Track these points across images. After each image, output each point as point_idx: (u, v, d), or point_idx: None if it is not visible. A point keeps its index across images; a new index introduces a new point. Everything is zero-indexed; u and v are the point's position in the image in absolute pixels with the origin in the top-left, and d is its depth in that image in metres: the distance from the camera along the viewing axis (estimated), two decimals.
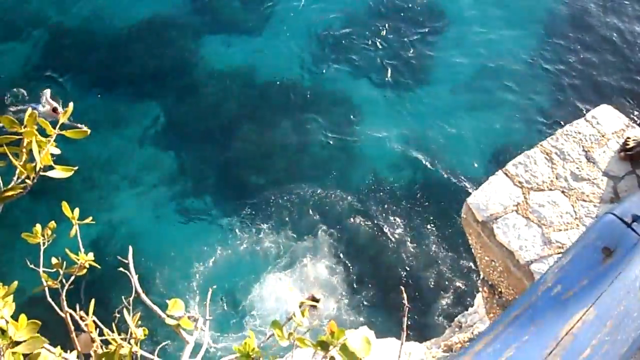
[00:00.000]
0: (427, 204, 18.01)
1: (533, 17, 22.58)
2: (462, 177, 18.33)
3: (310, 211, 17.86)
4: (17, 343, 2.41)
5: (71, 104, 3.01)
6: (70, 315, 3.29)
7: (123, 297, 3.45)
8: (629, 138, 5.85)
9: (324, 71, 21.08)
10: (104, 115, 19.50)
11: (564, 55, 21.29)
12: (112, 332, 3.07)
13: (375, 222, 17.67)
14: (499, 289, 6.13)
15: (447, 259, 17.07)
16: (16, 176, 2.63)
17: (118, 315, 3.28)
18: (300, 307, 2.86)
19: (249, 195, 18.16)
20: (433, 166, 18.67)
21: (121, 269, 3.67)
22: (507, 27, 22.14)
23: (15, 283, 2.70)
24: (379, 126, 19.64)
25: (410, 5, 22.89)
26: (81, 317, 3.25)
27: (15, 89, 19.98)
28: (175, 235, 17.48)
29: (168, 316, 3.13)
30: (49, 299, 3.35)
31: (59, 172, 2.63)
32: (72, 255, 3.26)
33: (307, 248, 17.26)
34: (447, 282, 16.71)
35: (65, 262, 3.27)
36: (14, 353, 2.40)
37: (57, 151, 2.60)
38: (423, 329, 14.78)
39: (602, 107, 6.38)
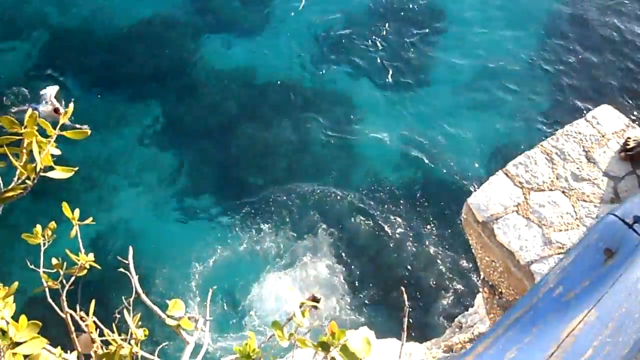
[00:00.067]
0: (427, 203, 18.00)
1: (533, 18, 22.58)
2: (463, 177, 18.33)
3: (310, 211, 17.86)
4: (18, 344, 2.40)
5: (71, 105, 3.01)
6: (71, 315, 3.29)
7: (123, 297, 3.45)
8: (629, 138, 5.85)
9: (324, 71, 21.08)
10: (104, 115, 19.50)
11: (564, 55, 21.29)
12: (113, 332, 3.07)
13: (376, 221, 17.66)
14: (500, 290, 6.13)
15: (447, 259, 17.06)
16: (16, 177, 2.62)
17: (118, 316, 3.28)
18: (300, 307, 2.86)
19: (249, 195, 18.15)
20: (433, 166, 18.67)
21: (121, 269, 3.67)
22: (507, 27, 22.13)
23: (16, 284, 2.70)
24: (379, 126, 19.63)
25: (410, 5, 22.89)
26: (81, 318, 3.25)
27: (15, 89, 19.97)
28: (175, 234, 17.47)
29: (168, 316, 3.12)
30: (50, 300, 3.34)
31: (59, 173, 2.62)
32: (73, 256, 3.26)
33: (307, 248, 17.25)
34: (447, 282, 16.70)
35: (65, 263, 3.27)
36: (14, 354, 2.40)
37: (58, 152, 2.60)
38: (423, 329, 14.77)
39: (602, 107, 6.37)
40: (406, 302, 3.26)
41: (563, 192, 5.67)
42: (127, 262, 3.59)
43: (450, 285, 16.67)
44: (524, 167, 5.89)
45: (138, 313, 3.22)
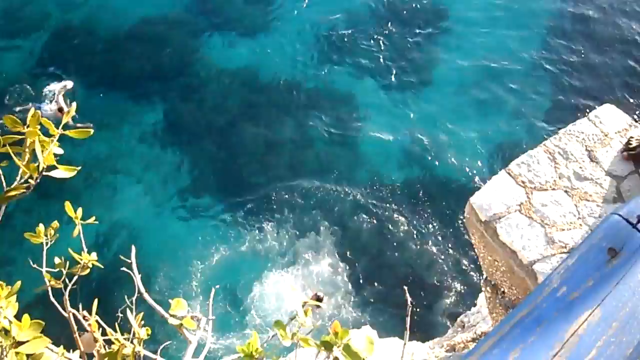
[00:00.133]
0: (429, 203, 18.00)
1: (536, 17, 22.58)
2: (465, 177, 18.33)
3: (313, 209, 17.87)
4: (20, 343, 2.40)
5: (74, 104, 3.01)
6: (73, 315, 3.29)
7: (126, 296, 3.45)
8: (632, 137, 5.84)
9: (327, 70, 21.09)
10: (106, 114, 19.51)
11: (567, 54, 21.28)
12: (115, 331, 3.07)
13: (378, 220, 17.66)
14: (502, 289, 6.12)
15: (450, 259, 17.06)
16: (19, 176, 2.62)
17: (121, 315, 3.28)
18: (303, 306, 2.85)
19: (251, 194, 18.16)
20: (436, 165, 18.67)
21: (124, 268, 3.67)
22: (510, 27, 22.14)
23: (19, 283, 2.70)
24: (382, 125, 19.64)
25: (413, 5, 22.91)
26: (84, 317, 3.25)
27: (19, 88, 20.00)
28: (177, 233, 17.48)
29: (171, 316, 3.12)
30: (52, 299, 3.35)
31: (62, 172, 2.62)
32: (75, 255, 3.26)
33: (309, 246, 17.26)
34: (449, 282, 16.70)
35: (68, 262, 3.27)
36: (17, 353, 2.40)
37: (60, 151, 2.59)
38: (425, 329, 14.77)
39: (605, 106, 6.36)
40: (409, 302, 3.26)
41: (566, 191, 5.66)
42: (129, 261, 3.59)
43: (452, 285, 16.67)
44: (527, 167, 5.88)
45: (141, 312, 3.22)
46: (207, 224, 17.72)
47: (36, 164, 2.52)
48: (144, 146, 19.17)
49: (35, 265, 3.42)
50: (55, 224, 3.25)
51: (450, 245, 17.26)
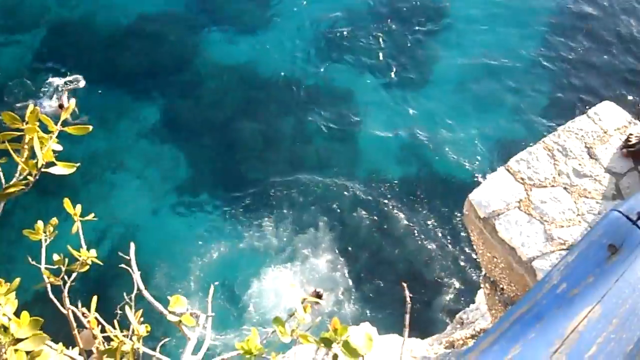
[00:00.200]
0: (429, 199, 18.01)
1: (535, 15, 22.58)
2: (465, 173, 18.33)
3: (312, 206, 17.87)
4: (19, 340, 2.40)
5: (73, 101, 3.00)
6: (72, 312, 3.29)
7: (125, 293, 3.45)
8: (631, 135, 5.84)
9: (327, 67, 21.09)
10: (105, 111, 19.50)
11: (566, 52, 21.29)
12: (114, 328, 3.06)
13: (377, 216, 17.67)
14: (501, 286, 6.12)
15: (449, 255, 17.07)
16: (18, 173, 2.62)
17: (120, 312, 3.28)
18: (302, 303, 2.85)
19: (250, 190, 18.16)
20: (435, 162, 18.68)
21: (123, 265, 3.66)
22: (509, 24, 22.14)
23: (18, 280, 2.69)
24: (381, 121, 19.64)
25: (412, 2, 22.90)
26: (83, 314, 3.25)
27: (18, 84, 19.98)
28: (176, 229, 17.48)
29: (170, 312, 3.12)
30: (51, 296, 3.34)
31: (61, 169, 2.61)
32: (74, 252, 3.25)
33: (308, 242, 17.26)
34: (448, 278, 16.72)
35: (67, 259, 3.26)
36: (16, 350, 2.39)
37: (59, 147, 2.59)
38: (424, 325, 14.76)
39: (604, 103, 6.36)
40: (408, 298, 3.26)
41: (565, 188, 5.66)
42: (128, 258, 3.59)
43: (451, 281, 16.68)
44: (526, 164, 5.87)
45: (140, 309, 3.22)
46: (206, 220, 17.72)
47: (35, 161, 2.52)
48: (143, 142, 19.16)
49: (34, 262, 3.41)
50: (54, 220, 3.25)
51: (449, 242, 17.27)
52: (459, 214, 16.80)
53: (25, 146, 2.50)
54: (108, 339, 3.07)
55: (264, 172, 18.52)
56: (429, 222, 17.60)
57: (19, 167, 2.57)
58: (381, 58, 21.30)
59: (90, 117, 18.19)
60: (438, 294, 16.50)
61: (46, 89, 19.77)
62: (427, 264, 16.93)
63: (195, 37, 21.98)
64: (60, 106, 18.83)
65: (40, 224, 3.22)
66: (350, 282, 16.68)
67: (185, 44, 21.77)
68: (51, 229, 3.25)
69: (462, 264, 16.92)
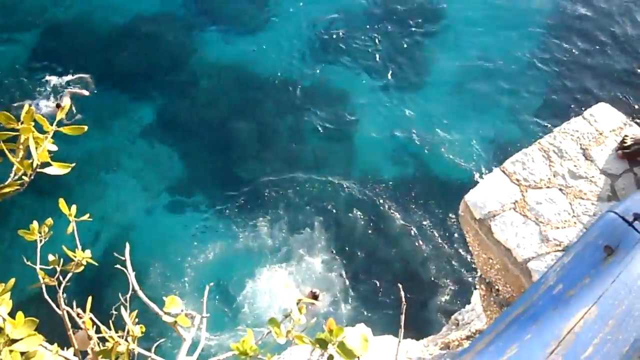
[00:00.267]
0: (424, 200, 18.02)
1: (530, 17, 22.63)
2: (460, 174, 18.35)
3: (307, 205, 17.87)
4: (14, 341, 2.39)
5: (68, 101, 3.00)
6: (67, 312, 3.28)
7: (120, 294, 3.44)
8: (626, 136, 5.85)
9: (323, 67, 21.10)
10: (101, 111, 19.47)
11: (562, 54, 21.34)
12: (109, 329, 3.06)
13: (373, 217, 17.68)
14: (496, 287, 6.12)
15: (444, 256, 17.08)
16: (13, 173, 2.61)
17: (115, 313, 3.27)
18: (298, 303, 2.85)
19: (245, 190, 18.16)
20: (431, 163, 18.70)
21: (118, 265, 3.66)
22: (505, 26, 22.19)
23: (13, 280, 2.69)
24: (377, 122, 19.66)
25: (409, 4, 22.94)
26: (78, 315, 3.24)
27: (14, 84, 19.95)
28: (170, 229, 17.46)
29: (165, 313, 3.11)
30: (46, 296, 3.34)
31: (56, 169, 2.61)
32: (69, 253, 3.25)
33: (303, 243, 17.26)
34: (444, 279, 16.73)
35: (62, 259, 3.26)
36: (11, 351, 2.39)
37: (54, 148, 2.59)
38: (420, 326, 14.77)
39: (600, 105, 6.37)
40: (403, 300, 3.25)
41: (560, 189, 5.67)
42: (123, 258, 3.59)
43: (447, 282, 16.69)
44: (521, 165, 5.88)
45: (135, 309, 3.22)
46: (201, 220, 17.71)
47: (30, 161, 2.52)
48: (139, 142, 19.15)
49: (29, 263, 3.40)
50: (49, 221, 3.25)
51: (444, 243, 17.29)
52: (454, 215, 16.81)
53: (21, 146, 2.50)
54: (103, 340, 3.07)
55: (259, 172, 18.52)
56: (424, 223, 17.61)
57: (14, 167, 2.56)
58: (378, 59, 21.32)
59: (86, 117, 18.17)
60: (433, 295, 16.51)
61: (43, 89, 19.74)
62: (422, 265, 16.94)
63: (192, 37, 21.99)
64: (58, 106, 18.82)
65: (35, 224, 3.21)
66: (345, 283, 16.68)
67: (181, 43, 21.76)
68: (46, 229, 3.25)
69: (457, 265, 16.94)
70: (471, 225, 5.86)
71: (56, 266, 3.24)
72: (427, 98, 20.29)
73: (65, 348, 3.17)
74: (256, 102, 20.13)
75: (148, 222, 17.54)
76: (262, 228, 17.48)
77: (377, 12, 22.85)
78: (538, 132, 18.16)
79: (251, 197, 18.02)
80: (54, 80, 20.09)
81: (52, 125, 2.55)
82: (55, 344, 2.90)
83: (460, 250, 16.94)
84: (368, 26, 22.36)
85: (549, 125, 18.28)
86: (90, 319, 3.15)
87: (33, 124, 2.49)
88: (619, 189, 5.60)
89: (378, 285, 16.62)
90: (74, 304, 3.29)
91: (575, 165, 5.78)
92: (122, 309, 3.14)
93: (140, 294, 3.48)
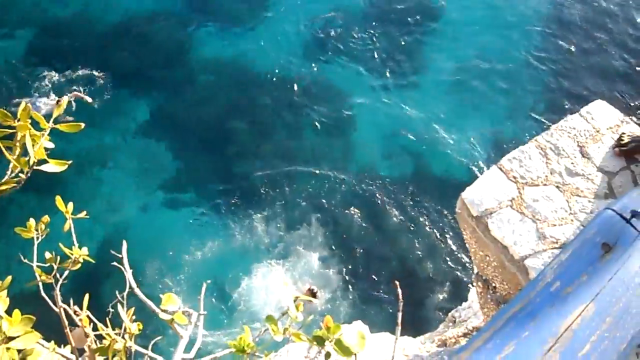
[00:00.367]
0: (421, 197, 18.02)
1: (528, 15, 22.66)
2: (458, 172, 18.34)
3: (304, 202, 17.86)
4: (11, 338, 2.39)
5: (65, 98, 3.00)
6: (64, 310, 3.27)
7: (117, 291, 3.44)
8: (623, 134, 5.86)
9: (320, 64, 21.08)
10: (97, 109, 19.43)
11: (559, 52, 21.35)
12: (106, 326, 3.05)
13: (370, 214, 17.67)
14: (493, 284, 6.13)
15: (441, 253, 17.08)
16: (10, 170, 2.61)
17: (112, 310, 3.27)
18: (295, 301, 2.85)
19: (241, 186, 18.13)
20: (429, 160, 18.70)
21: (115, 263, 3.65)
22: (502, 25, 22.22)
23: (9, 278, 2.68)
24: (374, 119, 19.65)
25: (408, 3, 22.95)
26: (75, 312, 3.24)
27: (12, 82, 19.92)
28: (167, 226, 17.42)
29: (162, 311, 3.11)
30: (43, 294, 3.33)
31: (53, 166, 2.61)
32: (66, 250, 3.24)
33: (300, 240, 17.25)
34: (441, 277, 16.73)
35: (59, 257, 3.25)
36: (8, 348, 2.38)
37: (51, 145, 2.58)
38: (417, 324, 14.77)
39: (596, 102, 6.38)
40: (400, 297, 3.25)
41: (557, 187, 5.67)
42: (120, 256, 3.58)
43: (444, 280, 16.69)
44: (518, 162, 5.88)
45: (132, 307, 3.21)
46: (198, 217, 17.69)
47: (27, 158, 2.51)
48: (135, 140, 19.12)
49: (26, 260, 3.40)
50: (46, 218, 3.24)
51: (442, 240, 17.29)
52: (452, 212, 16.82)
53: (17, 143, 2.49)
54: (100, 337, 3.07)
55: (256, 169, 18.50)
56: (421, 220, 17.61)
57: (11, 165, 2.56)
58: (376, 56, 21.32)
59: (83, 114, 18.12)
60: (430, 292, 16.52)
61: (42, 87, 19.70)
62: (419, 262, 16.94)
63: (188, 34, 21.96)
64: (58, 103, 18.78)
65: (32, 221, 3.21)
66: (342, 280, 16.68)
67: (177, 40, 21.73)
68: (43, 226, 3.24)
69: (454, 262, 16.94)
70: (468, 222, 5.87)
71: (53, 264, 3.23)
72: (424, 95, 20.29)
73: (62, 345, 3.17)
74: (253, 99, 20.11)
75: (145, 219, 17.52)
76: (259, 225, 17.46)
77: (375, 9, 22.85)
78: (535, 129, 18.16)
79: (248, 193, 18.01)
80: (53, 77, 20.06)
81: (48, 122, 2.54)
82: (52, 342, 2.90)
83: (458, 248, 16.95)
84: (366, 24, 22.35)
85: (546, 123, 18.31)
86: (87, 316, 3.15)
87: (30, 121, 2.49)
88: (616, 186, 5.61)
89: (375, 282, 16.62)
90: (71, 301, 3.28)
91: (572, 163, 5.78)
92: (119, 306, 3.14)
93: (137, 291, 3.48)
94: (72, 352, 3.18)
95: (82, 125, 2.73)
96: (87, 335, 3.09)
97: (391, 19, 22.42)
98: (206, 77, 20.69)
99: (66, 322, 3.22)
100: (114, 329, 3.04)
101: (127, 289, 3.44)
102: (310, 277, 16.52)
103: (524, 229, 5.46)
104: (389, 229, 17.40)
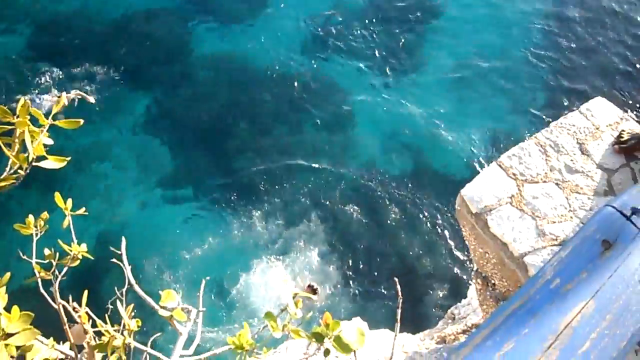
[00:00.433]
0: (421, 194, 18.02)
1: (527, 13, 22.64)
2: (457, 169, 18.34)
3: (303, 198, 17.85)
4: (10, 335, 2.39)
5: (64, 94, 2.99)
6: (63, 306, 3.27)
7: (116, 288, 3.44)
8: (623, 131, 5.86)
9: (320, 61, 21.07)
10: (97, 105, 19.42)
11: (559, 49, 21.34)
12: (105, 323, 3.05)
13: (370, 211, 17.67)
14: (493, 281, 6.13)
15: (440, 250, 17.08)
16: (8, 166, 2.60)
17: (111, 307, 3.27)
18: (294, 297, 2.85)
19: (240, 182, 18.13)
20: (428, 157, 18.69)
21: (114, 259, 3.65)
22: (502, 22, 22.22)
23: (8, 274, 2.68)
24: (374, 116, 19.64)
25: (407, 0, 23.00)
26: (74, 309, 3.23)
27: (11, 80, 19.90)
28: (166, 222, 17.40)
29: (161, 307, 3.11)
30: (42, 290, 3.33)
31: (52, 163, 2.60)
32: (65, 247, 3.24)
33: (299, 236, 17.24)
34: (440, 273, 16.72)
35: (58, 253, 3.25)
36: (6, 345, 2.38)
37: (50, 141, 2.57)
38: (416, 320, 14.78)
39: (596, 99, 6.38)
40: (399, 293, 3.25)
41: (557, 184, 5.67)
42: (119, 252, 3.58)
43: (443, 276, 16.69)
44: (518, 159, 5.88)
45: (131, 304, 3.21)
46: (197, 213, 17.68)
47: (26, 155, 2.51)
48: (134, 136, 19.11)
49: (25, 257, 3.39)
50: (45, 214, 3.24)
51: (441, 237, 17.29)
52: (451, 209, 16.83)
53: (16, 140, 2.49)
54: (99, 334, 3.06)
55: (255, 165, 18.49)
56: (421, 217, 17.61)
57: (10, 161, 2.55)
58: (376, 53, 21.31)
59: (82, 110, 18.10)
60: (430, 289, 16.52)
61: (42, 84, 19.69)
62: (418, 259, 16.94)
63: (188, 30, 21.94)
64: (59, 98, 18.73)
65: (31, 218, 3.20)
66: (341, 276, 16.67)
67: (177, 37, 21.72)
68: (42, 223, 3.24)
69: (453, 259, 16.94)
70: (467, 219, 5.86)
71: (52, 260, 3.22)
72: (424, 92, 20.28)
73: (61, 342, 3.16)
74: (253, 95, 20.10)
75: (144, 215, 17.52)
76: (258, 221, 17.46)
77: (375, 6, 22.84)
78: (534, 126, 18.16)
79: (247, 190, 18.00)
80: (54, 74, 20.05)
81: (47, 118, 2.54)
82: (51, 338, 2.89)
83: (457, 245, 16.95)
84: (366, 20, 22.34)
85: (546, 120, 18.30)
86: (86, 313, 3.14)
87: (29, 117, 2.48)
88: (616, 183, 5.60)
89: (374, 278, 16.62)
90: (70, 298, 3.28)
91: (571, 160, 5.78)
92: (118, 303, 3.13)
93: (136, 288, 3.48)
94: (71, 349, 3.17)
95: (81, 121, 2.72)
96: (86, 332, 3.08)
97: (391, 15, 22.41)
98: (206, 73, 20.68)
99: (65, 319, 3.21)
100: (113, 326, 3.04)
101: (126, 286, 3.44)
102: (309, 273, 16.53)
103: (523, 226, 5.46)
104: (388, 225, 17.40)
